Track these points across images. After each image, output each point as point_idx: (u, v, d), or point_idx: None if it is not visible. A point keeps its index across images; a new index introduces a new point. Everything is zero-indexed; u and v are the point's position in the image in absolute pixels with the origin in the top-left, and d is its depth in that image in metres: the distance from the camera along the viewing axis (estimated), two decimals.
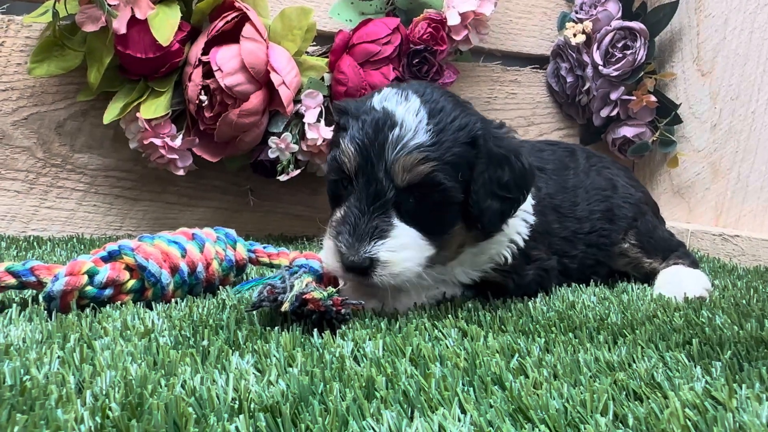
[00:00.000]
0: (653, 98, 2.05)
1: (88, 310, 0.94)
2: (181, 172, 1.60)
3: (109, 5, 1.39)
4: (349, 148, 0.98)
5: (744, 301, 1.18)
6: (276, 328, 0.87)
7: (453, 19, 1.67)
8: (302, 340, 0.83)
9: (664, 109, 2.10)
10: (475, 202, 0.99)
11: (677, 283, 1.26)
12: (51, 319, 0.89)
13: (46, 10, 1.46)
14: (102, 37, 1.49)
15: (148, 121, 1.51)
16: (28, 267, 0.96)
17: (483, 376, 0.71)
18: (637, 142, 2.12)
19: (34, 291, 1.02)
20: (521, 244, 1.13)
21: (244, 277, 1.25)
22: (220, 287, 1.14)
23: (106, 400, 0.60)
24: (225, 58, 1.49)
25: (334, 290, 0.91)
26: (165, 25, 1.46)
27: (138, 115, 1.51)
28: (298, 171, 1.63)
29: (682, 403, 0.65)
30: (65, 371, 0.68)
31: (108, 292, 0.98)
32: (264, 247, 1.28)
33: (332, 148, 1.05)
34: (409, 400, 0.65)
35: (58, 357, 0.72)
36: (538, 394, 0.66)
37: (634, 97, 2.07)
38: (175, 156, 1.56)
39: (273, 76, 1.50)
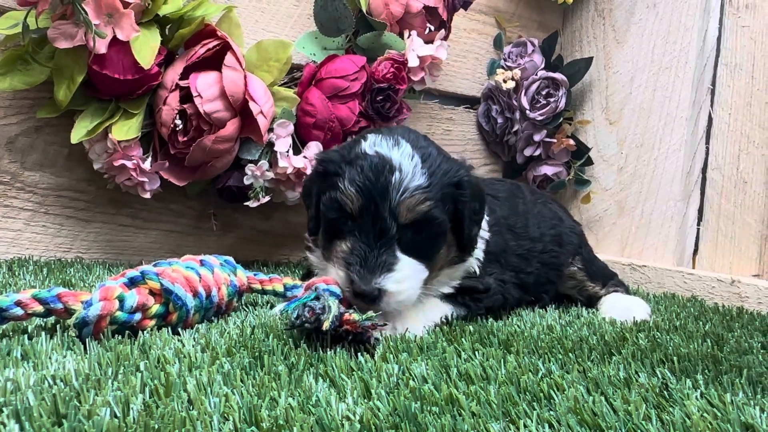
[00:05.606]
0: (572, 141, 2.31)
1: (119, 337, 0.93)
2: (147, 195, 1.58)
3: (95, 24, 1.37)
4: (350, 189, 1.11)
5: (678, 323, 1.38)
6: (328, 351, 0.93)
7: (413, 61, 1.80)
8: (351, 364, 0.90)
9: (578, 152, 2.36)
10: (467, 233, 1.20)
11: (624, 308, 1.46)
12: (91, 348, 0.88)
13: (16, 22, 1.40)
14: (73, 54, 1.44)
15: (119, 142, 1.49)
16: (55, 294, 0.94)
17: (536, 393, 0.82)
18: (555, 179, 2.36)
19: (52, 318, 1.00)
20: (482, 257, 1.32)
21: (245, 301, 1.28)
22: (227, 313, 1.17)
23: (244, 425, 0.64)
24: (205, 84, 1.50)
25: (373, 314, 0.98)
26: (146, 48, 1.45)
27: (110, 136, 1.47)
28: (268, 198, 1.66)
29: (698, 409, 0.79)
30: (165, 400, 0.70)
31: (137, 316, 0.98)
32: (255, 275, 1.31)
33: (326, 191, 1.16)
34: (492, 413, 0.74)
35: (146, 385, 0.74)
36: (586, 406, 0.78)
37: (554, 140, 2.31)
38: (145, 179, 1.54)
39: (252, 105, 1.53)
